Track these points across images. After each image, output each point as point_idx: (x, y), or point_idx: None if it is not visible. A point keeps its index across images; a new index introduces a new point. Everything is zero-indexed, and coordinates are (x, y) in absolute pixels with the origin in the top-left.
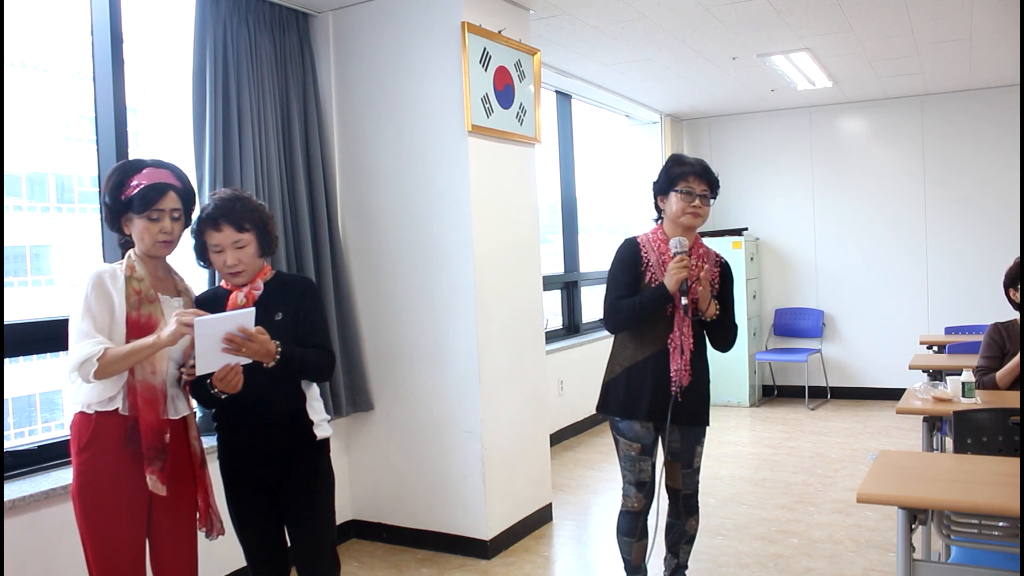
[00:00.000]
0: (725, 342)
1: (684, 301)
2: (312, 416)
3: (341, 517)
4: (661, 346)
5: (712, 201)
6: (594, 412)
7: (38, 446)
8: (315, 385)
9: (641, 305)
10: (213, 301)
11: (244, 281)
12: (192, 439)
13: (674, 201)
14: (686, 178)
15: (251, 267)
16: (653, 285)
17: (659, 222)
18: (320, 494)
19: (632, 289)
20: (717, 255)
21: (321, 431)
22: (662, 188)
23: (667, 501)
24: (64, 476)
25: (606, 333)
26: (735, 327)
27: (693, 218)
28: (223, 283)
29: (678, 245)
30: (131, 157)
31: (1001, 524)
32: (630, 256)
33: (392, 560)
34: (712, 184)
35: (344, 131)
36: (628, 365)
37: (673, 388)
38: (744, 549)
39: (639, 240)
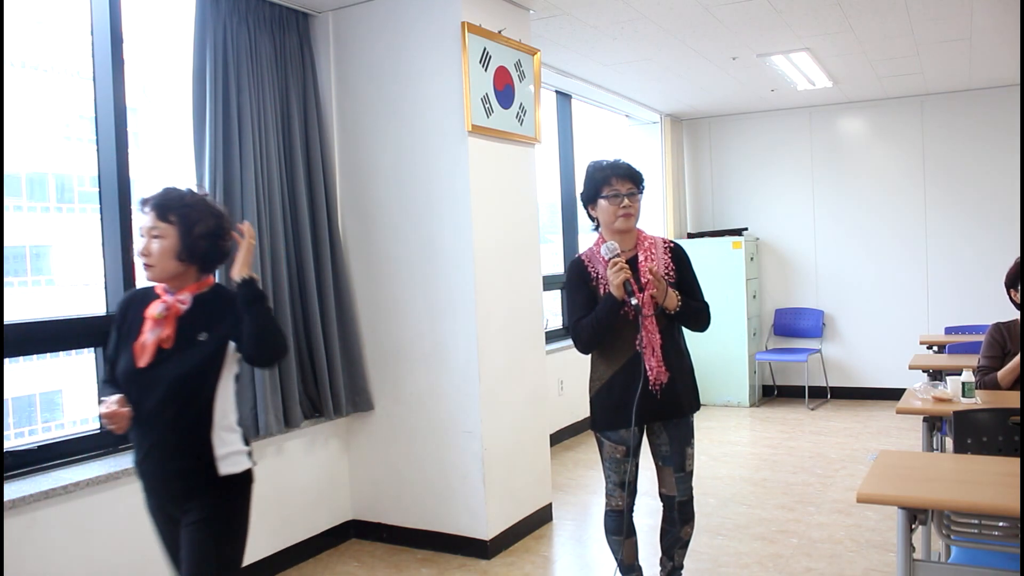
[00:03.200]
0: (698, 325)
1: (634, 302)
2: (218, 449)
3: (342, 517)
4: (632, 350)
5: (640, 196)
6: None
7: (38, 446)
8: (232, 412)
9: (597, 319)
10: (142, 301)
11: (155, 278)
12: None
13: (603, 207)
14: (608, 181)
15: (161, 266)
16: None
17: (598, 231)
18: (211, 539)
19: (590, 306)
20: (666, 240)
21: (228, 466)
22: (589, 197)
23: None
24: (64, 476)
25: None
26: (705, 307)
27: (626, 220)
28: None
29: (608, 251)
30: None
31: (1001, 524)
32: (578, 275)
33: (392, 560)
34: (635, 179)
35: (344, 131)
36: (607, 377)
37: (654, 387)
38: (744, 549)
39: (583, 257)
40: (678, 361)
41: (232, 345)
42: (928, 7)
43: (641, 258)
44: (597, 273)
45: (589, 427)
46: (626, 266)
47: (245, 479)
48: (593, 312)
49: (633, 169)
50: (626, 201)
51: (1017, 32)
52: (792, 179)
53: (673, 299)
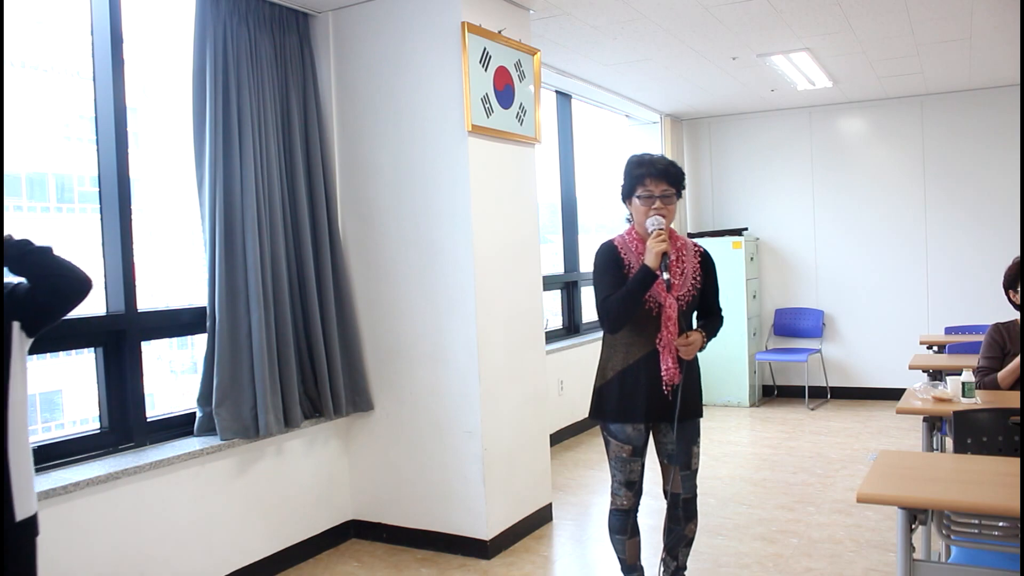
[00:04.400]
0: (714, 334)
1: (666, 276)
2: (15, 479)
3: (342, 517)
4: (651, 347)
5: (678, 197)
6: None
7: (38, 446)
8: (25, 427)
9: (628, 292)
10: None
11: None
12: None
13: (636, 206)
14: (643, 181)
15: None
16: None
17: (631, 223)
18: None
19: (618, 288)
20: (696, 244)
21: (24, 505)
22: (626, 194)
23: (666, 505)
24: (64, 476)
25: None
26: (720, 321)
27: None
28: None
29: (654, 223)
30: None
31: (1001, 524)
32: (611, 258)
33: (392, 560)
34: (673, 180)
35: (344, 131)
36: (620, 369)
37: (665, 388)
38: (744, 549)
39: (615, 242)
40: (691, 365)
41: (16, 327)
42: (928, 7)
43: (672, 258)
44: (629, 262)
45: (589, 415)
46: (668, 240)
47: (35, 525)
48: (624, 287)
49: (671, 170)
50: (658, 203)
51: (1017, 32)
52: (792, 179)
53: (700, 342)
